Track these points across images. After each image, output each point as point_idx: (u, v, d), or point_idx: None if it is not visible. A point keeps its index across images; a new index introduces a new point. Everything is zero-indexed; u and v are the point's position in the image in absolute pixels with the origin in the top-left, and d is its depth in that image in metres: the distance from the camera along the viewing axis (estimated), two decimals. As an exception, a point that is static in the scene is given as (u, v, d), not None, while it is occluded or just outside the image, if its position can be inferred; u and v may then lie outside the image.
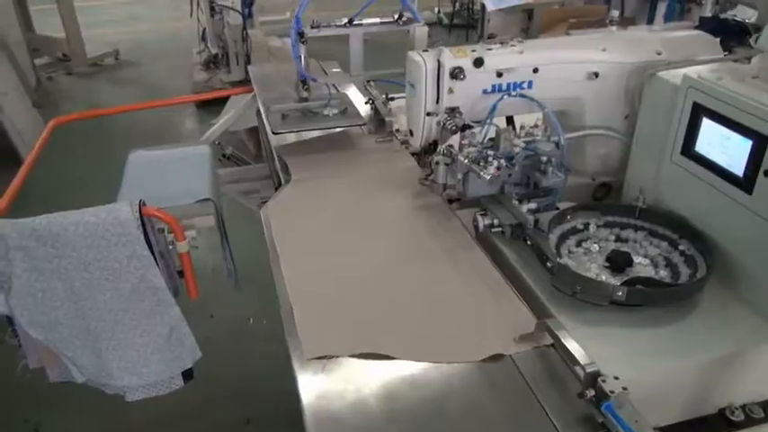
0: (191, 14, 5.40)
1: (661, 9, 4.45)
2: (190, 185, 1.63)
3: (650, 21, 4.49)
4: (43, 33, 6.43)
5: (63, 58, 6.33)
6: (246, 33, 4.25)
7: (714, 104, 1.10)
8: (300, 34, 1.64)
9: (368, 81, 1.90)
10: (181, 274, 1.55)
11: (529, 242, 1.20)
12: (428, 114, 1.36)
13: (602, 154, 1.48)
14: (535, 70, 1.35)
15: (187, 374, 1.57)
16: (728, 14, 3.29)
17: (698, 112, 1.14)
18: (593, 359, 0.92)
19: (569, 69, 1.36)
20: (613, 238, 1.25)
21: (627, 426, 0.78)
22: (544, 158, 1.24)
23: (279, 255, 1.24)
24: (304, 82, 1.74)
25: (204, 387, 1.90)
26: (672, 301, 1.06)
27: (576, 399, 0.87)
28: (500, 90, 1.35)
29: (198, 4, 5.33)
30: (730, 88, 1.07)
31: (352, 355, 0.97)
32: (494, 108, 1.29)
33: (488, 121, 1.29)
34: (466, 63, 1.30)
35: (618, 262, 1.14)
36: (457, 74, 1.30)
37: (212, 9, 5.05)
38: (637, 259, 1.17)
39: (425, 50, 1.34)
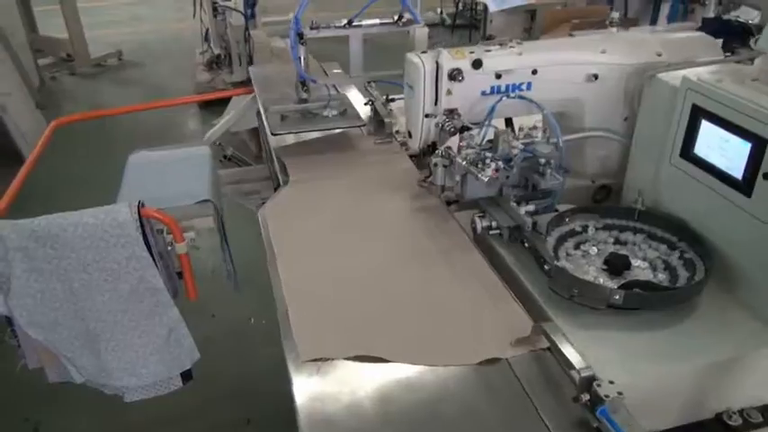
0: (194, 15, 5.40)
1: (664, 10, 4.44)
2: (189, 186, 1.63)
3: (653, 21, 4.48)
4: (47, 34, 6.45)
5: (66, 58, 6.35)
6: (249, 34, 4.25)
7: (713, 107, 1.09)
8: (300, 35, 1.64)
9: (368, 82, 1.90)
10: (180, 275, 1.55)
11: (526, 244, 1.19)
12: (426, 116, 1.36)
13: (602, 156, 1.47)
14: (534, 72, 1.34)
15: (186, 375, 1.57)
16: (731, 15, 3.27)
17: (697, 114, 1.13)
18: (591, 363, 0.92)
19: (568, 71, 1.36)
20: (612, 240, 1.24)
21: (621, 430, 0.77)
22: (542, 160, 1.24)
23: (276, 256, 1.24)
24: (303, 83, 1.74)
25: (205, 387, 1.91)
26: (669, 305, 1.05)
27: (571, 403, 0.86)
28: (499, 92, 1.34)
29: (201, 4, 5.33)
30: (729, 90, 1.07)
31: (348, 358, 0.97)
32: (492, 110, 1.29)
33: (487, 122, 1.29)
34: (464, 64, 1.30)
35: (616, 265, 1.14)
36: (455, 75, 1.30)
37: (215, 10, 5.06)
38: (635, 262, 1.17)
39: (424, 52, 1.34)
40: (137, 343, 1.47)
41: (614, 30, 1.46)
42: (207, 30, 5.51)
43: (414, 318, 1.07)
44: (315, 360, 0.96)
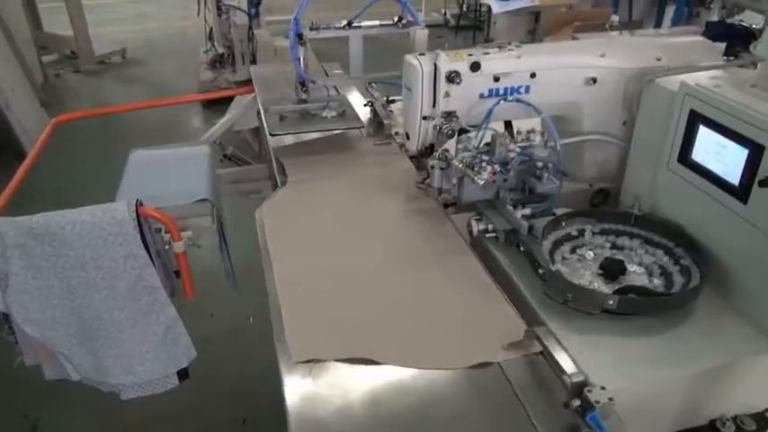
0: (198, 13, 5.41)
1: (669, 13, 4.43)
2: (188, 185, 1.64)
3: (658, 24, 4.47)
4: (51, 31, 6.48)
5: (70, 55, 6.38)
6: (252, 33, 4.26)
7: (711, 112, 1.09)
8: (299, 36, 1.64)
9: (369, 83, 1.90)
10: (178, 273, 1.56)
11: (522, 248, 1.19)
12: (424, 118, 1.36)
13: (600, 160, 1.47)
14: (533, 75, 1.34)
15: (182, 374, 1.57)
16: (735, 19, 3.26)
17: (695, 119, 1.13)
18: (584, 368, 0.92)
19: (567, 74, 1.36)
20: (609, 245, 1.24)
21: (611, 437, 0.77)
22: (540, 164, 1.23)
23: (270, 256, 1.24)
24: (303, 84, 1.74)
25: (202, 386, 1.91)
26: (664, 311, 1.05)
27: (562, 408, 0.86)
28: (497, 94, 1.34)
29: (205, 3, 5.34)
30: (727, 96, 1.06)
31: (340, 360, 0.97)
32: (489, 113, 1.28)
33: (484, 125, 1.29)
34: (462, 67, 1.30)
35: (611, 270, 1.13)
36: (453, 78, 1.29)
37: (219, 9, 5.07)
38: (631, 267, 1.16)
39: (422, 54, 1.34)
40: (133, 341, 1.48)
41: (614, 33, 1.46)
42: (211, 28, 5.52)
43: (407, 320, 1.07)
44: (307, 361, 0.96)
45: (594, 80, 1.35)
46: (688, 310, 1.07)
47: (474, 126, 1.33)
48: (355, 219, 1.38)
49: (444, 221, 1.36)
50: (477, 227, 1.25)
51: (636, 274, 1.15)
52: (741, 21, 3.09)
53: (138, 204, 1.38)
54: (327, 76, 2.29)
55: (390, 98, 1.87)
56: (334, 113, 1.73)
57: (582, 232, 1.25)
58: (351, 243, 1.29)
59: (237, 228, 1.89)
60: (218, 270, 1.90)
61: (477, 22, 6.86)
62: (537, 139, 1.30)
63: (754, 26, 2.82)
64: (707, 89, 1.10)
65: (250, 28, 4.35)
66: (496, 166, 1.22)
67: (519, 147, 1.26)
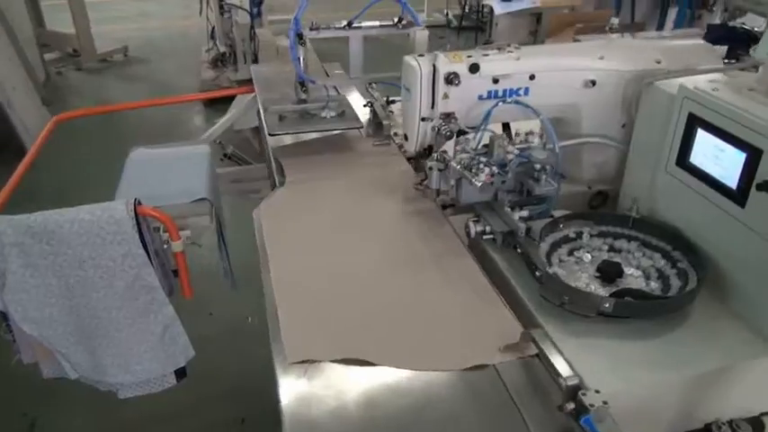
0: (200, 12, 5.42)
1: (671, 15, 4.42)
2: (187, 185, 1.64)
3: (660, 26, 4.46)
4: (53, 29, 6.49)
5: (73, 53, 6.39)
6: (254, 32, 4.26)
7: (709, 116, 1.09)
8: (299, 36, 1.64)
9: (370, 83, 1.90)
10: (176, 273, 1.56)
11: (519, 250, 1.19)
12: (423, 119, 1.36)
13: (599, 162, 1.47)
14: (532, 77, 1.34)
15: (180, 373, 1.57)
16: (737, 22, 3.26)
17: (693, 122, 1.13)
18: (580, 370, 0.92)
19: (566, 76, 1.36)
20: (606, 247, 1.23)
21: (605, 440, 0.77)
22: (538, 166, 1.23)
23: (268, 257, 1.24)
24: (302, 84, 1.74)
25: (201, 385, 1.91)
26: (660, 314, 1.05)
27: (557, 411, 0.86)
28: (496, 96, 1.34)
29: (207, 2, 5.35)
30: (725, 100, 1.06)
31: (335, 361, 0.97)
32: (488, 114, 1.28)
33: (483, 127, 1.28)
34: (461, 68, 1.30)
35: (608, 272, 1.13)
36: (452, 79, 1.29)
37: (221, 7, 5.08)
38: (628, 270, 1.16)
39: (421, 55, 1.34)
40: (131, 340, 1.48)
41: (613, 36, 1.45)
42: (213, 27, 5.53)
43: (403, 322, 1.07)
44: (302, 362, 0.96)
45: (594, 82, 1.35)
46: (685, 313, 1.07)
47: (472, 128, 1.33)
48: (353, 219, 1.38)
49: (442, 223, 1.36)
50: (474, 228, 1.25)
51: (633, 277, 1.15)
52: (743, 24, 3.09)
53: (137, 203, 1.38)
54: (328, 76, 2.29)
55: (390, 99, 1.87)
56: (333, 114, 1.73)
57: (580, 234, 1.25)
58: (348, 244, 1.29)
59: (237, 227, 1.90)
60: (218, 269, 1.91)
61: (480, 23, 6.86)
62: (535, 141, 1.29)
63: (755, 29, 2.81)
64: (705, 92, 1.10)
65: (252, 27, 4.35)
66: (494, 168, 1.21)
67: (517, 149, 1.26)
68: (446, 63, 1.30)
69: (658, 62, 1.35)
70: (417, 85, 1.32)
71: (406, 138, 1.46)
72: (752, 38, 2.54)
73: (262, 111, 1.83)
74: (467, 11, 7.13)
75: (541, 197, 1.25)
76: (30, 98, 4.70)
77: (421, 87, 1.32)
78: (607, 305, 1.00)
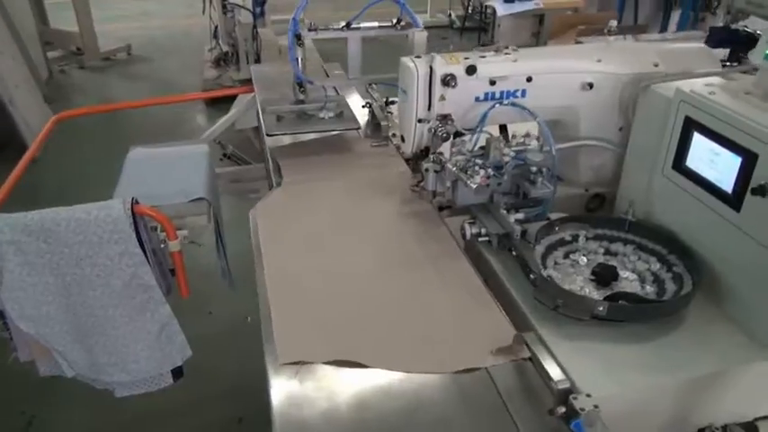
0: (203, 12, 5.43)
1: (675, 17, 4.41)
2: (185, 184, 1.64)
3: (663, 29, 4.45)
4: (57, 27, 6.51)
5: (76, 51, 6.41)
6: (257, 32, 4.26)
7: (705, 119, 1.09)
8: (297, 36, 1.64)
9: (369, 84, 1.89)
10: (173, 272, 1.56)
11: (514, 253, 1.19)
12: (419, 121, 1.35)
13: (596, 165, 1.46)
14: (529, 79, 1.33)
15: (177, 372, 1.58)
16: (740, 25, 3.24)
17: (689, 126, 1.12)
18: (573, 374, 0.91)
19: (563, 79, 1.35)
20: (602, 251, 1.23)
21: (595, 444, 0.77)
22: (534, 168, 1.23)
23: (262, 257, 1.24)
24: (300, 84, 1.74)
25: (198, 384, 1.91)
26: (654, 318, 1.04)
27: (549, 415, 0.86)
28: (493, 98, 1.34)
29: (210, 1, 5.36)
30: (721, 103, 1.06)
31: (327, 362, 0.97)
32: (484, 116, 1.28)
33: (479, 129, 1.28)
34: (458, 70, 1.29)
35: (603, 276, 1.13)
36: (449, 81, 1.29)
37: (224, 7, 5.08)
38: (624, 274, 1.16)
39: (418, 56, 1.34)
40: (128, 339, 1.48)
41: (611, 38, 1.45)
42: (216, 27, 5.54)
43: (396, 323, 1.07)
44: (294, 363, 0.96)
45: (591, 85, 1.35)
46: (679, 317, 1.06)
47: (469, 129, 1.32)
48: (349, 221, 1.38)
49: (438, 224, 1.36)
50: (470, 230, 1.25)
51: (628, 281, 1.15)
52: (745, 26, 3.07)
53: (134, 202, 1.39)
54: (328, 76, 2.29)
55: (390, 99, 1.87)
56: (331, 114, 1.73)
57: (575, 237, 1.25)
58: (343, 245, 1.29)
59: (236, 227, 1.89)
60: (216, 269, 1.91)
61: (483, 24, 6.85)
62: (532, 143, 1.29)
63: (758, 32, 2.80)
64: (702, 96, 1.10)
65: (254, 27, 4.35)
66: (490, 170, 1.21)
67: (514, 151, 1.26)
68: (443, 65, 1.30)
69: (656, 65, 1.35)
70: (414, 87, 1.32)
71: (402, 139, 1.46)
72: (753, 41, 2.53)
73: (260, 111, 1.83)
74: (470, 12, 7.12)
75: (537, 200, 1.25)
76: (32, 96, 4.71)
77: (417, 89, 1.32)
78: (601, 308, 1.00)
